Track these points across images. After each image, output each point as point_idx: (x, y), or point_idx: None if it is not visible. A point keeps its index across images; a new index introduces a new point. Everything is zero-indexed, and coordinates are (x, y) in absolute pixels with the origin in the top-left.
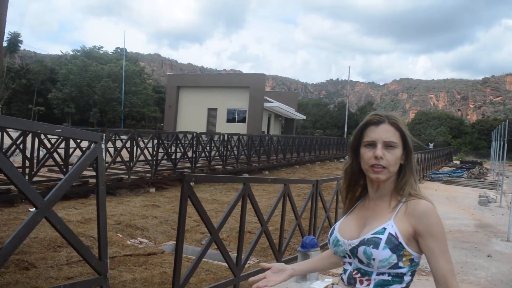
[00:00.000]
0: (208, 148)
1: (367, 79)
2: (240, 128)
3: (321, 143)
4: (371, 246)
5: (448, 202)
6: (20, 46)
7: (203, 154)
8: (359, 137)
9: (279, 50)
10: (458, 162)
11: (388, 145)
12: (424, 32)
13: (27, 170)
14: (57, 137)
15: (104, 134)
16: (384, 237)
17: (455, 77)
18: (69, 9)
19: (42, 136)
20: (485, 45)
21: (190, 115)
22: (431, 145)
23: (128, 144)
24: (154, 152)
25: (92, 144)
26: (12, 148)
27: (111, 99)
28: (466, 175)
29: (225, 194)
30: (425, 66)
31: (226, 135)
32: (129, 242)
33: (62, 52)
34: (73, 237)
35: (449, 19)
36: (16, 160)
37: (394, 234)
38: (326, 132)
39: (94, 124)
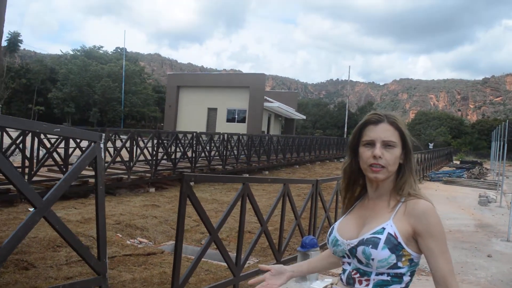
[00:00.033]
0: (208, 148)
1: (367, 79)
2: (240, 128)
3: (321, 143)
4: (370, 246)
5: (448, 202)
6: (20, 46)
7: (203, 154)
8: (358, 137)
9: (279, 50)
10: (458, 162)
11: (387, 145)
12: (424, 32)
13: (27, 170)
14: (56, 137)
15: (103, 134)
16: (383, 237)
17: (455, 77)
18: (69, 9)
19: (42, 136)
20: (485, 45)
21: (190, 115)
22: (431, 145)
23: (128, 144)
24: (154, 152)
25: (91, 144)
26: (12, 148)
27: (111, 99)
28: (466, 175)
29: (225, 194)
30: (425, 66)
31: (226, 135)
32: (128, 242)
33: (62, 52)
34: (72, 237)
35: (449, 19)
36: (16, 160)
37: (393, 234)
38: (326, 132)
39: (94, 123)
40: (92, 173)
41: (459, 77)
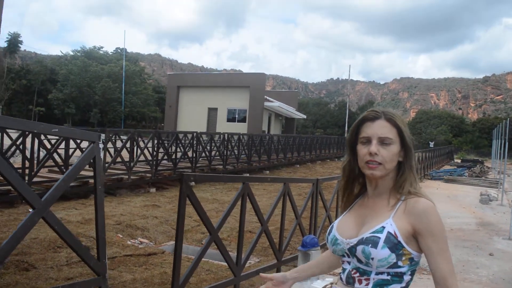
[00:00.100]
0: (208, 148)
1: (368, 78)
2: (240, 128)
3: (321, 142)
4: (370, 245)
5: (449, 201)
6: (20, 47)
7: (203, 154)
8: (355, 134)
9: (279, 50)
10: (459, 161)
11: (383, 141)
12: (424, 31)
13: (27, 171)
14: (57, 137)
15: (101, 134)
16: (383, 236)
17: (456, 76)
18: (69, 9)
19: (42, 137)
20: (485, 43)
21: (191, 115)
22: (431, 144)
23: (128, 144)
24: (154, 152)
25: (90, 144)
26: (12, 149)
27: (112, 99)
28: (467, 174)
29: (225, 194)
30: (426, 65)
31: (226, 135)
32: (129, 242)
33: (62, 53)
34: (71, 238)
35: (449, 18)
36: (17, 161)
37: (393, 233)
38: (326, 131)
39: (94, 124)
40: (93, 173)
41: (460, 75)
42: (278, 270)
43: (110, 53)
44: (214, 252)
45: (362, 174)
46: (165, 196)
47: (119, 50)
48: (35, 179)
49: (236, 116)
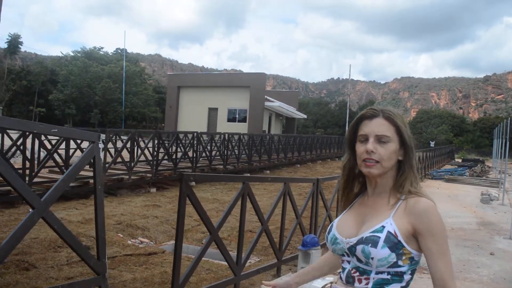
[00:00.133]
0: (208, 148)
1: (368, 77)
2: (241, 128)
3: (322, 142)
4: (370, 245)
5: (450, 200)
6: (20, 48)
7: (204, 154)
8: (354, 132)
9: (280, 50)
10: (460, 160)
11: (380, 139)
12: (425, 31)
13: (28, 171)
14: (57, 138)
15: (100, 134)
16: (382, 236)
17: (457, 75)
18: (68, 9)
19: (43, 138)
20: (486, 43)
21: (191, 115)
22: (432, 143)
23: (128, 145)
24: (155, 152)
25: (90, 144)
26: (13, 150)
27: (112, 100)
28: (468, 173)
29: (226, 194)
30: (426, 64)
31: (226, 135)
32: (129, 242)
33: (62, 53)
34: (71, 237)
35: (449, 18)
36: (17, 161)
37: (393, 233)
38: (327, 131)
39: (95, 125)
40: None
41: (461, 75)
42: (279, 270)
43: (110, 54)
44: (215, 252)
45: (362, 172)
46: (165, 196)
47: (119, 51)
48: (36, 180)
49: (237, 116)
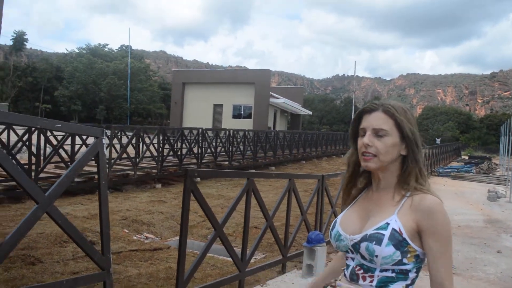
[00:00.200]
0: (214, 144)
1: (374, 74)
2: (246, 124)
3: (327, 138)
4: (374, 242)
5: (456, 198)
6: (26, 45)
7: (209, 150)
8: (355, 126)
9: (284, 46)
10: (466, 157)
11: (377, 133)
12: (430, 27)
13: (34, 167)
14: (63, 134)
15: (104, 129)
16: (387, 233)
17: (463, 72)
18: (73, 7)
19: (48, 133)
20: (492, 39)
21: (196, 112)
22: (438, 140)
23: (134, 141)
24: (160, 148)
25: (93, 139)
26: (19, 145)
27: (117, 96)
28: (474, 171)
29: (231, 190)
30: (432, 61)
31: (231, 131)
32: (135, 238)
33: (67, 50)
34: (75, 232)
35: (455, 14)
36: (24, 157)
37: (398, 230)
38: (332, 128)
39: (101, 121)
40: None
41: (467, 71)
42: (284, 266)
43: (115, 51)
44: (219, 248)
45: None
46: (170, 192)
47: (124, 48)
48: (42, 175)
49: (242, 112)
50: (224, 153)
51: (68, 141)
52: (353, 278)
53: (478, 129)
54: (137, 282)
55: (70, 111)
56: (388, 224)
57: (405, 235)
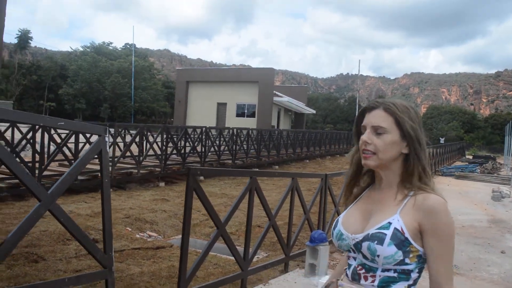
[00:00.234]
0: (217, 142)
1: (378, 73)
2: (250, 123)
3: (331, 137)
4: (376, 242)
5: (460, 197)
6: (30, 43)
7: (212, 149)
8: (358, 124)
9: (288, 45)
10: (471, 157)
11: (376, 130)
12: (435, 26)
13: (37, 165)
14: (66, 132)
15: (107, 127)
16: (389, 233)
17: (467, 71)
18: (78, 5)
19: (52, 131)
20: (498, 38)
21: (200, 110)
22: (442, 140)
23: (137, 139)
24: (163, 147)
25: (96, 137)
26: (23, 143)
27: (121, 95)
28: (479, 170)
29: (234, 189)
30: (437, 60)
31: (235, 130)
32: (138, 236)
33: (72, 49)
34: (77, 230)
35: (460, 13)
36: (28, 155)
37: (400, 229)
38: (336, 127)
39: (105, 119)
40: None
41: (472, 70)
42: (286, 265)
43: (120, 49)
44: (222, 246)
45: None
46: (174, 190)
47: (128, 46)
48: (45, 173)
49: (245, 111)
50: (227, 152)
51: (72, 139)
52: (355, 278)
53: (483, 128)
54: (139, 281)
55: (74, 109)
56: (390, 223)
57: (407, 235)
